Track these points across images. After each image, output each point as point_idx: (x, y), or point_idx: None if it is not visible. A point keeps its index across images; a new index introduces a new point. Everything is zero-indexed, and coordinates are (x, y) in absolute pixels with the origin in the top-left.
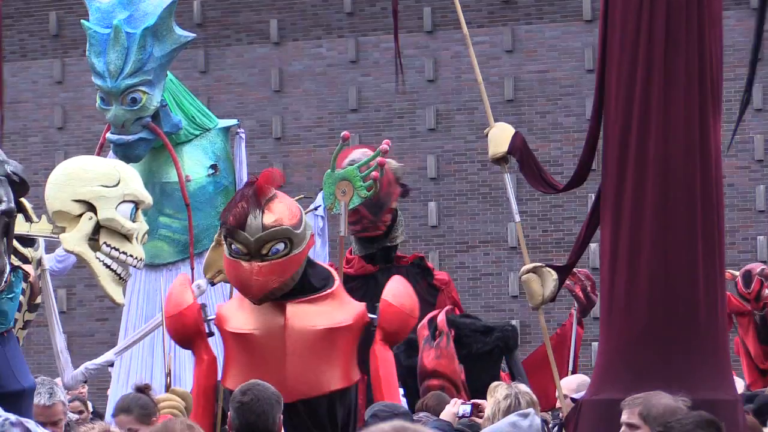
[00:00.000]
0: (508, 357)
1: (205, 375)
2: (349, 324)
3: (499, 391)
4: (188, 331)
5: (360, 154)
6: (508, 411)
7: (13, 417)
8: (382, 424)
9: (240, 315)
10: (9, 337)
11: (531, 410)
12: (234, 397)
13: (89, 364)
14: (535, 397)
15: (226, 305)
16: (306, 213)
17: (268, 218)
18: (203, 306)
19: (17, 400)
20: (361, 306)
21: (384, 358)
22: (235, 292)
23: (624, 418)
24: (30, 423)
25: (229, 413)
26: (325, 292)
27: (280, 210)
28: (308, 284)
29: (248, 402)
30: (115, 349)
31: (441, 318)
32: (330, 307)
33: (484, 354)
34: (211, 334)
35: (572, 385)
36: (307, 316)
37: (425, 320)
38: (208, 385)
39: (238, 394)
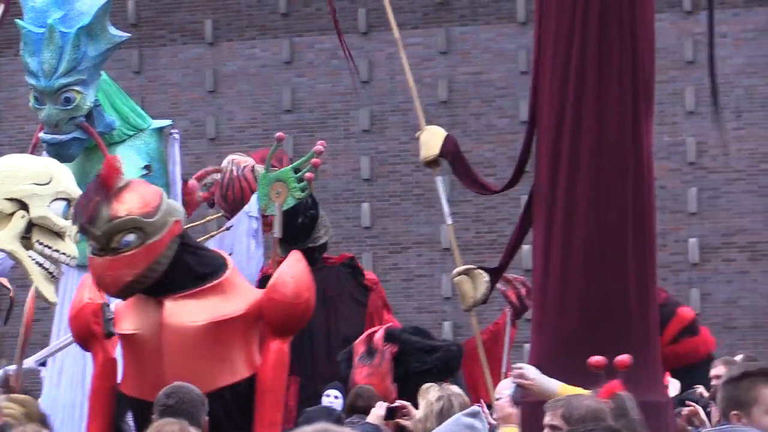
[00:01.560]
0: (451, 378)
1: (99, 376)
2: (240, 314)
3: (431, 393)
4: (82, 332)
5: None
6: (441, 413)
7: None
8: (305, 427)
9: (128, 314)
10: None
11: (478, 408)
12: (158, 400)
13: (8, 369)
14: (467, 399)
15: (122, 304)
16: (217, 234)
17: (116, 209)
18: (104, 305)
19: None
20: (255, 292)
21: (272, 359)
22: None
23: (547, 420)
24: None
25: (153, 416)
26: (211, 283)
27: (130, 199)
28: (189, 275)
29: (173, 405)
30: (35, 356)
31: (378, 336)
32: (218, 298)
33: (422, 372)
34: (111, 334)
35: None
36: (187, 312)
37: (363, 336)
38: (101, 387)
39: (163, 398)
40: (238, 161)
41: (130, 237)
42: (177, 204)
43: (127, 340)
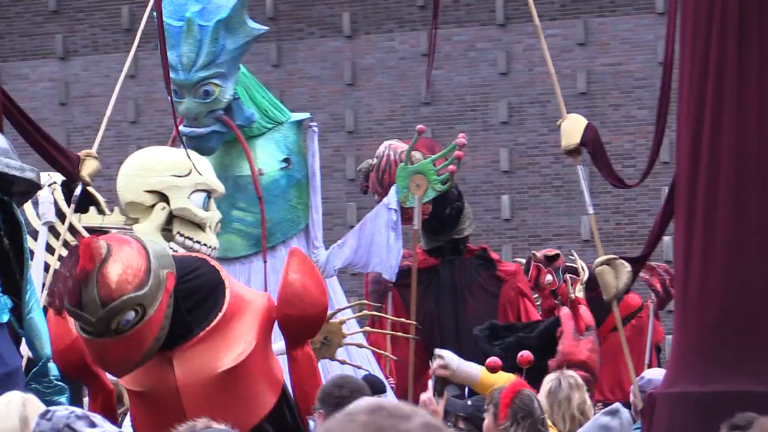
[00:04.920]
0: None
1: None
2: (255, 344)
3: (546, 378)
4: (76, 368)
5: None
6: (549, 393)
7: (79, 410)
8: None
9: None
10: None
11: (618, 406)
12: None
13: None
14: (580, 380)
15: None
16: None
17: (105, 290)
18: None
19: (6, 381)
20: (260, 302)
21: (299, 360)
22: None
23: None
24: (96, 417)
25: None
26: (216, 321)
27: (117, 273)
28: (188, 322)
29: None
30: None
31: (587, 316)
32: (227, 335)
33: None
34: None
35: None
36: (201, 363)
37: (566, 312)
38: None
39: None
40: (395, 146)
41: (130, 315)
42: (162, 248)
43: (138, 396)
